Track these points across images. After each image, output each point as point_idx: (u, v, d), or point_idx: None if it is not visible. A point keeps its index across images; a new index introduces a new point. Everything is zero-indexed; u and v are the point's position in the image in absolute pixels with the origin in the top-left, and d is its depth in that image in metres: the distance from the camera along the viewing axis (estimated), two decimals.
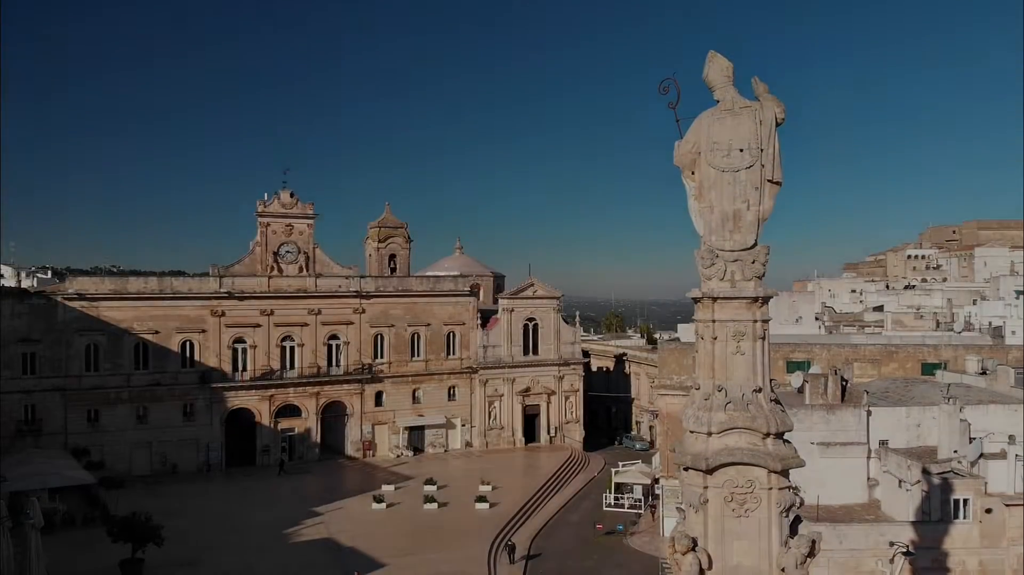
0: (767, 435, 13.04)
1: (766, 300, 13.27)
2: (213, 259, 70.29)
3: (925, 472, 30.83)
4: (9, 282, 75.63)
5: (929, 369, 48.07)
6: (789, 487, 13.22)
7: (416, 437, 76.86)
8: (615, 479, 61.93)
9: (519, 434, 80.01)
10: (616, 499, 60.60)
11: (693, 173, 13.55)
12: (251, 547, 50.18)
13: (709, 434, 13.16)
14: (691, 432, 13.51)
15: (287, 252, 72.80)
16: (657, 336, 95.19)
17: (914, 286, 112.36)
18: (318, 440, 73.21)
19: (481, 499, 58.81)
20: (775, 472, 12.96)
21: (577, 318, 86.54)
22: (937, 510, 30.57)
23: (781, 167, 13.24)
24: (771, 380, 13.45)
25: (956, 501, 30.50)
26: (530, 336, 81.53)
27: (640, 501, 59.46)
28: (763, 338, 13.28)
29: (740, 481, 13.00)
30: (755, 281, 13.24)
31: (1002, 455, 31.22)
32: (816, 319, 74.18)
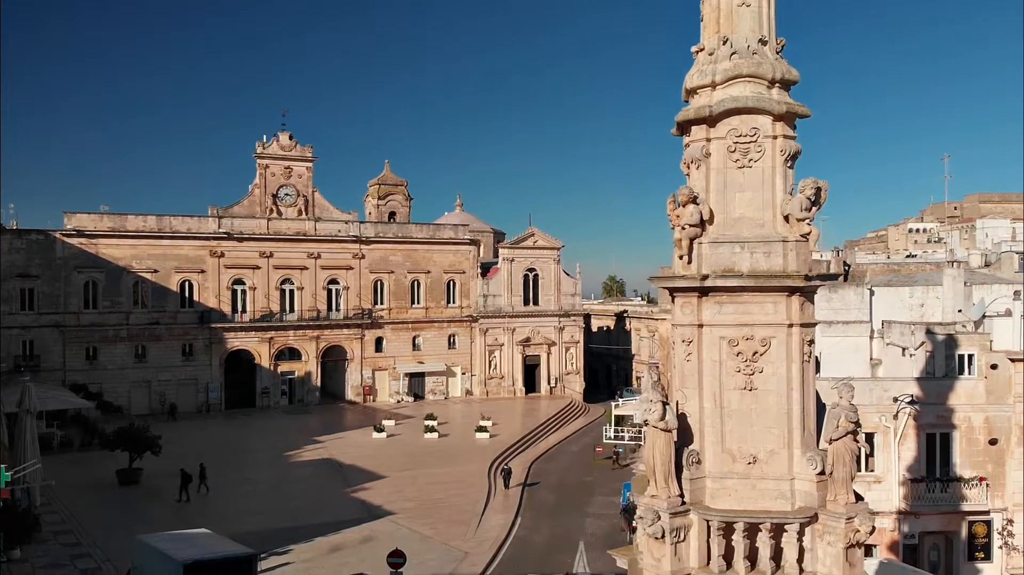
0: (772, 83, 12.78)
1: None
2: (212, 202, 69.88)
3: (929, 332, 30.53)
4: None
5: None
6: (792, 137, 12.94)
7: (416, 384, 76.49)
8: (615, 412, 61.59)
9: (519, 383, 79.57)
10: (616, 432, 60.26)
11: None
12: (250, 464, 50.08)
13: (713, 85, 12.90)
14: (695, 91, 13.23)
15: (286, 195, 72.57)
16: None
17: (915, 255, 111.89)
18: (318, 384, 72.79)
19: (481, 430, 58.41)
20: (779, 119, 12.69)
21: (578, 268, 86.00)
22: (942, 366, 30.26)
23: None
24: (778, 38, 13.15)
25: (961, 357, 30.16)
26: (530, 287, 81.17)
27: (641, 429, 59.00)
28: None
29: (744, 129, 12.73)
30: None
31: (1007, 314, 30.92)
32: None
